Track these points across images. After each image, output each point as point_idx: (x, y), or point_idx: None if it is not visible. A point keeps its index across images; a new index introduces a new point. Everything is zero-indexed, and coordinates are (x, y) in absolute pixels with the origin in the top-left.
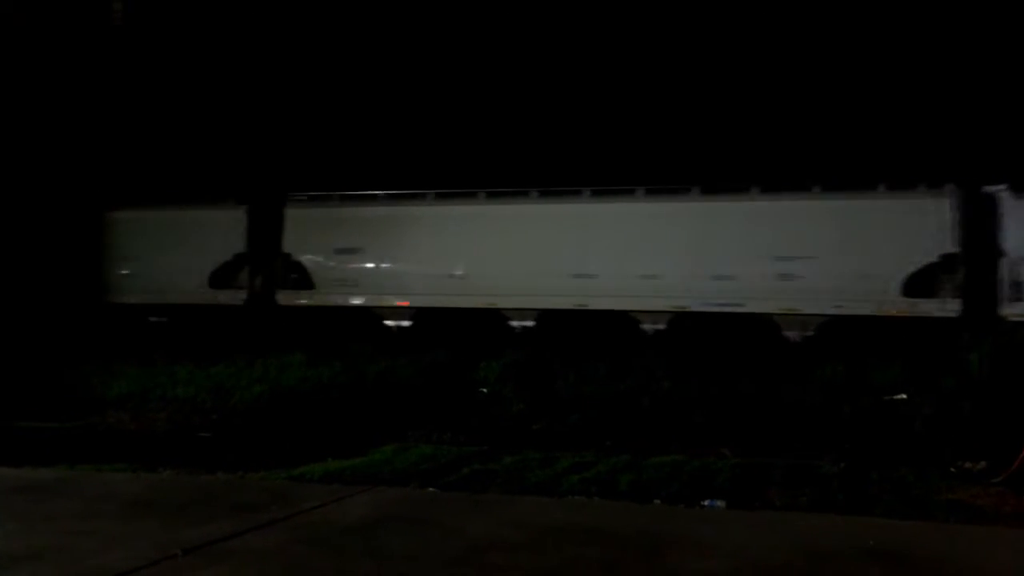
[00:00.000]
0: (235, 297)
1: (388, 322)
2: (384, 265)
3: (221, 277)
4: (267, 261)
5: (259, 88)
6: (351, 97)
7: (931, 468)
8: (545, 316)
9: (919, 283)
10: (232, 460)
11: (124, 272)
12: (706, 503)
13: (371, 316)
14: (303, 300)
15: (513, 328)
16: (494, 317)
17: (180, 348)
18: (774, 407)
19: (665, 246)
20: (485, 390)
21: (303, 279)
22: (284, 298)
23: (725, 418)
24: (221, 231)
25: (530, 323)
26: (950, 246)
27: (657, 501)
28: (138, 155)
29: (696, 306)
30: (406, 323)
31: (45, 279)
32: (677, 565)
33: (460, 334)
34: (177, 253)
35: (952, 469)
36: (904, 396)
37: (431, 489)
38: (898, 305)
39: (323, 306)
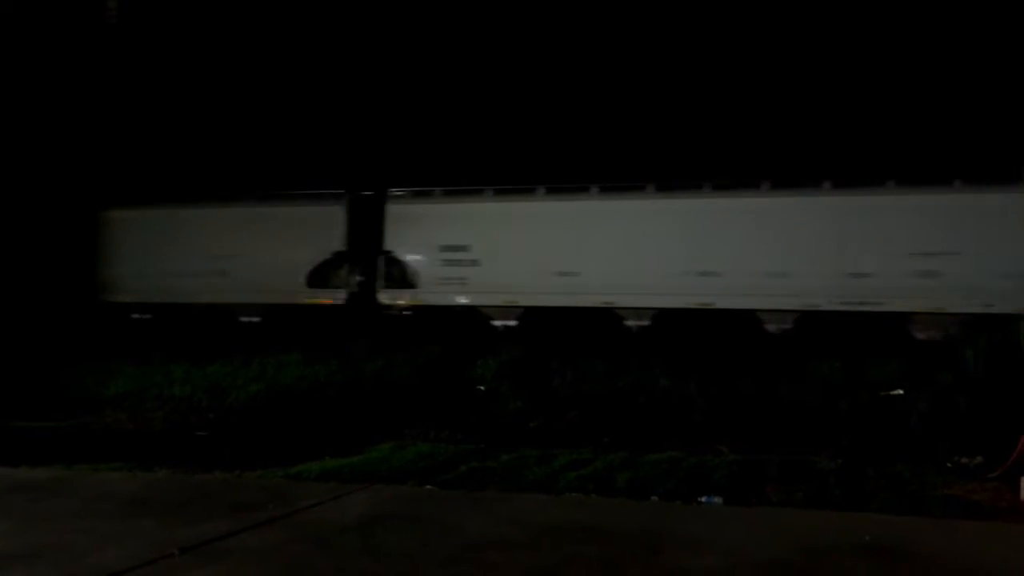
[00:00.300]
0: (334, 296)
1: (495, 322)
2: (492, 263)
3: (319, 276)
4: (368, 259)
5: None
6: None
7: (927, 464)
8: (663, 315)
9: None
10: (229, 459)
11: (208, 270)
12: (703, 500)
13: (477, 316)
14: (406, 299)
15: (628, 328)
16: (607, 316)
17: (278, 348)
18: (771, 404)
19: (796, 243)
20: (482, 388)
21: (405, 278)
22: (386, 297)
23: (723, 415)
24: (318, 228)
25: (646, 323)
26: None
27: (654, 498)
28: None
29: (829, 305)
30: (512, 323)
31: (43, 278)
32: (675, 562)
33: (570, 334)
34: (270, 251)
35: (948, 465)
36: (901, 392)
37: (428, 487)
38: None
39: (427, 306)
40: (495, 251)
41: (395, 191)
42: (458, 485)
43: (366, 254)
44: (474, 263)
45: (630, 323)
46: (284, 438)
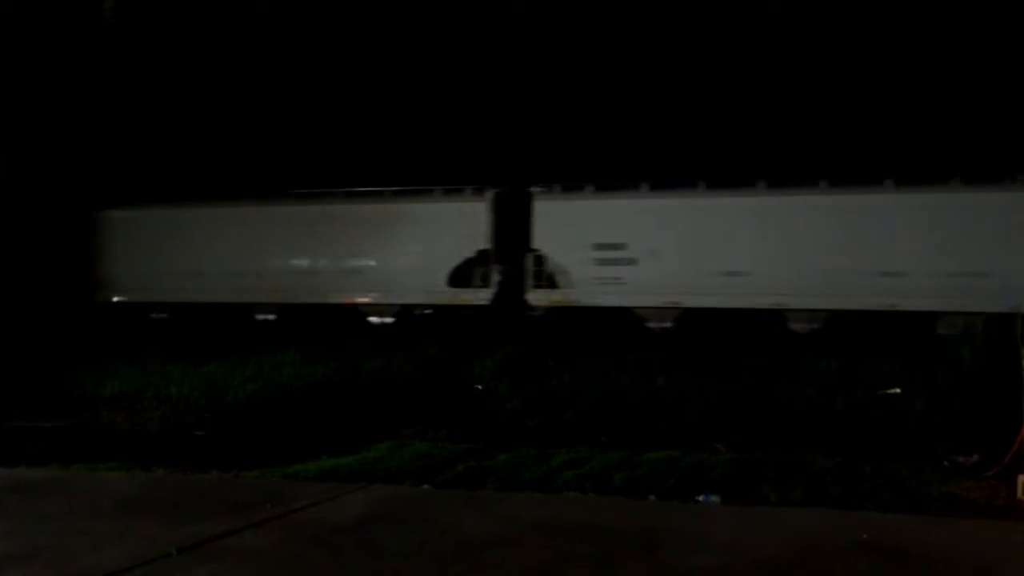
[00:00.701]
0: (478, 296)
1: (650, 324)
2: (651, 262)
3: (462, 275)
4: (514, 257)
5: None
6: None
7: (924, 462)
8: (836, 318)
9: None
10: (226, 459)
11: (336, 269)
12: (701, 498)
13: (631, 317)
14: (556, 299)
15: (794, 331)
16: (773, 318)
17: (417, 351)
18: (768, 402)
19: (991, 240)
20: (480, 387)
21: (555, 277)
22: (534, 297)
23: (720, 413)
24: (459, 225)
25: (816, 325)
26: None
27: (652, 497)
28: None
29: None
30: (667, 325)
31: (40, 278)
32: (672, 560)
33: (731, 337)
34: (407, 249)
35: (945, 463)
36: (898, 391)
37: (426, 486)
38: None
39: (578, 306)
40: (655, 249)
41: (539, 187)
42: (456, 484)
43: (512, 252)
44: (631, 262)
45: (796, 326)
46: (281, 438)
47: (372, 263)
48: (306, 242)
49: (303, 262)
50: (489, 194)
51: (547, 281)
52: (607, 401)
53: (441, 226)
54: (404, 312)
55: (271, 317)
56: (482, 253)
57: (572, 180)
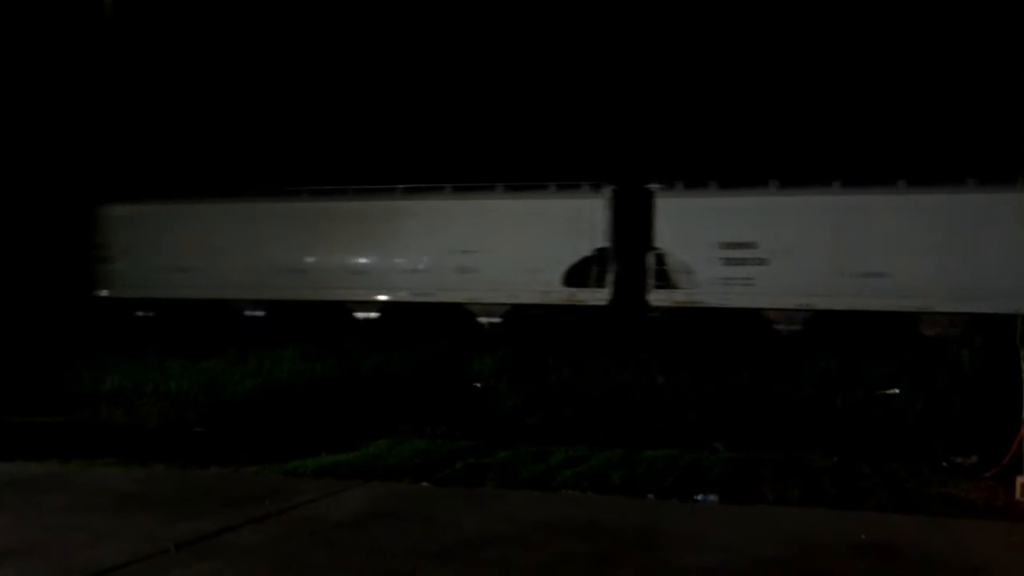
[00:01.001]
0: (596, 296)
1: (778, 326)
2: (782, 262)
3: (578, 274)
4: (634, 256)
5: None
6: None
7: (922, 462)
8: (976, 321)
9: None
10: (225, 454)
11: (448, 267)
12: (699, 497)
13: (758, 319)
14: (679, 300)
15: (927, 336)
16: (906, 322)
17: (533, 353)
18: (767, 401)
19: None
20: (479, 385)
21: (679, 277)
22: (656, 298)
23: (719, 412)
24: (576, 222)
25: (956, 329)
26: None
27: (650, 495)
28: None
29: None
30: (796, 327)
31: (39, 273)
32: (670, 559)
33: (865, 340)
34: (516, 247)
35: (943, 464)
36: (897, 391)
37: (424, 484)
38: None
39: (702, 307)
40: (787, 249)
41: (659, 184)
42: (454, 482)
43: (632, 251)
44: (761, 262)
45: (929, 331)
46: (280, 434)
47: (481, 261)
48: (410, 238)
49: (406, 259)
50: (606, 191)
51: (670, 281)
52: (606, 399)
53: (556, 223)
54: (514, 312)
55: (373, 315)
56: (600, 252)
57: (693, 177)
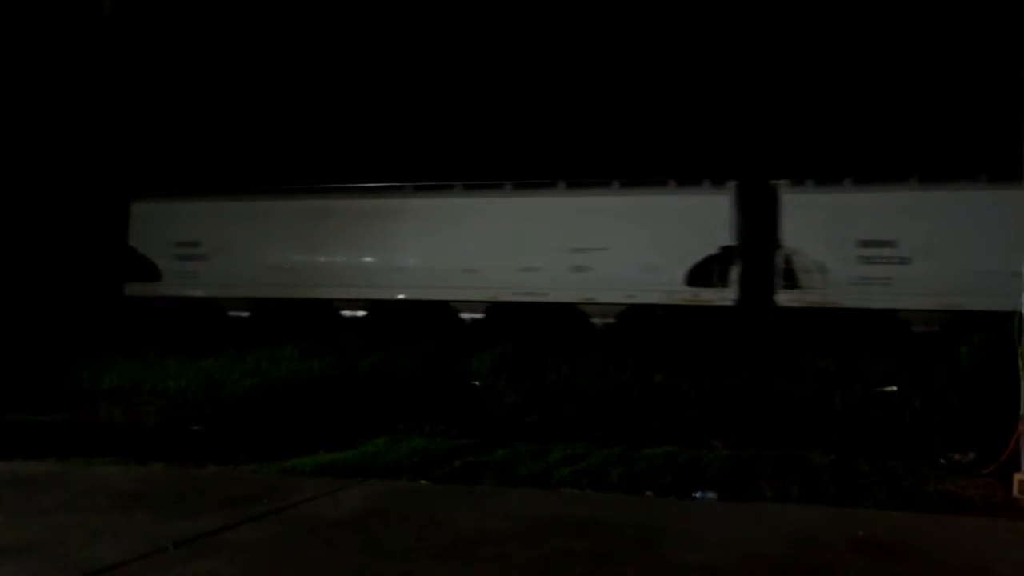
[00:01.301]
0: (723, 296)
1: (916, 328)
2: (926, 261)
3: (702, 273)
4: (762, 255)
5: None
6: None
7: (920, 460)
8: None
9: None
10: (223, 453)
11: (564, 265)
12: (697, 495)
13: (894, 320)
14: (812, 300)
15: None
16: None
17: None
18: (766, 399)
19: None
20: (478, 383)
21: (810, 276)
22: (786, 298)
23: (717, 410)
24: (699, 219)
25: None
26: None
27: (649, 493)
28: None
29: None
30: (934, 328)
31: (45, 271)
32: (669, 556)
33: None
34: (635, 245)
35: (941, 460)
36: (895, 388)
37: (423, 482)
38: None
39: (835, 308)
40: (931, 247)
41: (784, 180)
42: (453, 480)
43: (759, 249)
44: (903, 261)
45: None
46: (278, 432)
47: (597, 259)
48: (521, 235)
49: (516, 257)
50: (731, 186)
51: (801, 281)
52: (605, 397)
53: (678, 220)
54: (630, 313)
55: (479, 316)
56: (726, 250)
57: (824, 173)
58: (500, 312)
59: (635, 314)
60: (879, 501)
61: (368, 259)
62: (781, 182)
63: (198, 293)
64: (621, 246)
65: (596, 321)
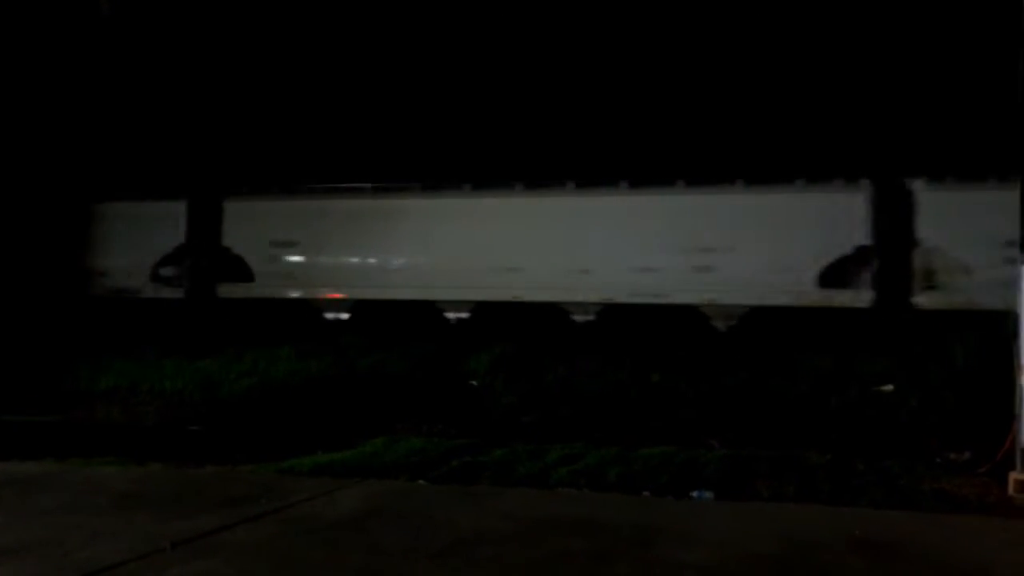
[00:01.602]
0: (858, 299)
1: None
2: None
3: (836, 274)
4: (897, 255)
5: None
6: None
7: (916, 459)
8: None
9: None
10: (221, 453)
11: (685, 266)
12: (695, 494)
13: None
14: (956, 302)
15: None
16: None
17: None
18: (762, 398)
19: None
20: (475, 383)
21: (951, 277)
22: (926, 300)
23: (714, 410)
24: (831, 218)
25: None
26: None
27: (646, 493)
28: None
29: None
30: None
31: (34, 271)
32: (666, 556)
33: None
34: (762, 245)
35: (937, 460)
36: (891, 388)
37: (421, 482)
38: None
39: (982, 311)
40: None
41: (920, 177)
42: (450, 480)
43: (898, 249)
44: None
45: None
46: (276, 432)
47: (721, 260)
48: (641, 235)
49: (634, 258)
50: (865, 184)
51: (939, 282)
52: (602, 397)
53: (809, 220)
54: (754, 315)
55: (591, 318)
56: (860, 250)
57: (963, 169)
58: (614, 314)
59: (758, 316)
60: (875, 500)
61: (476, 259)
62: (918, 179)
63: (295, 294)
64: (748, 246)
65: (718, 324)
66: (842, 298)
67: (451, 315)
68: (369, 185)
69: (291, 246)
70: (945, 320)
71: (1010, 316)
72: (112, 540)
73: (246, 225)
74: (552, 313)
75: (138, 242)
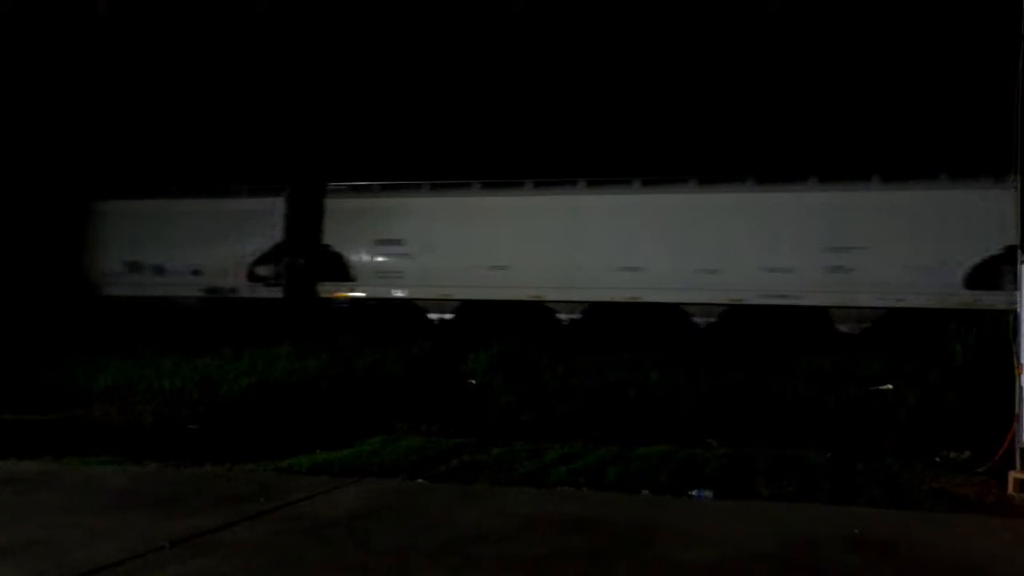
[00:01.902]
0: (1010, 301)
1: None
2: None
3: (984, 275)
4: None
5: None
6: None
7: (916, 458)
8: None
9: None
10: (219, 452)
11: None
12: (694, 493)
13: None
14: None
15: None
16: None
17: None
18: (761, 397)
19: None
20: (474, 382)
21: None
22: None
23: (713, 409)
24: (977, 216)
25: None
26: None
27: (645, 491)
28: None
29: None
30: None
31: (32, 271)
32: (665, 555)
33: None
34: (900, 245)
35: (936, 459)
36: (890, 387)
37: (420, 480)
38: None
39: None
40: None
41: None
42: (449, 479)
43: None
44: None
45: None
46: (275, 432)
47: (855, 260)
48: (769, 233)
49: (762, 257)
50: (1012, 180)
51: None
52: (601, 396)
53: (953, 217)
54: (890, 317)
55: (713, 320)
56: (1009, 249)
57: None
58: (739, 316)
59: (895, 318)
60: (874, 499)
61: (589, 258)
62: None
63: (400, 294)
64: (886, 246)
65: (843, 328)
66: (991, 300)
67: (563, 316)
68: (478, 181)
69: (395, 244)
70: None
71: (1010, 315)
72: (110, 539)
73: (347, 223)
74: (671, 315)
75: (235, 239)
